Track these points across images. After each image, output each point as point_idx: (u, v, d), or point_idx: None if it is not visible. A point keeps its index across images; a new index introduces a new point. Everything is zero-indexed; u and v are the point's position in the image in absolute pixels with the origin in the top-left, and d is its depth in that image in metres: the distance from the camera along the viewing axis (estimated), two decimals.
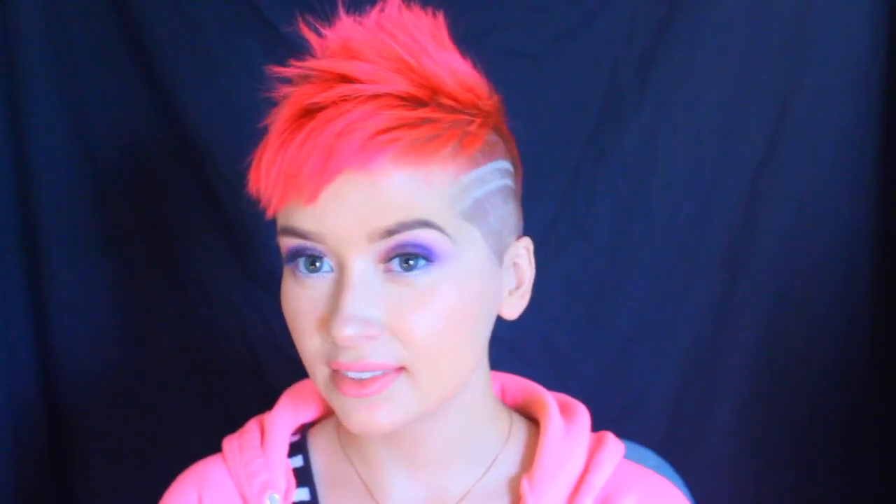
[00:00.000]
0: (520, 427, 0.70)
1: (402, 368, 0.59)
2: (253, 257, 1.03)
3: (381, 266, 0.58)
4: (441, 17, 0.62)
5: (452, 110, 0.59)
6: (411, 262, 0.58)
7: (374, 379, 0.58)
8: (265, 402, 1.06)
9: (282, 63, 0.63)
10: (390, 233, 0.57)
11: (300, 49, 0.63)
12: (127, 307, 1.07)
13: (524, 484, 0.64)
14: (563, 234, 1.02)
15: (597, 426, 1.07)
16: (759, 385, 1.04)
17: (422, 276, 0.58)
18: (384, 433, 0.60)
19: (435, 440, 0.66)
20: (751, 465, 1.06)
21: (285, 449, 0.70)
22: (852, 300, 1.03)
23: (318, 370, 0.61)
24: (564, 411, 0.70)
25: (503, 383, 0.75)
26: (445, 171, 0.58)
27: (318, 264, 0.59)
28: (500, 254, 0.63)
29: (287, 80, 0.62)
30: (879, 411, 1.03)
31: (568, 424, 0.68)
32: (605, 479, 0.65)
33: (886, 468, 1.04)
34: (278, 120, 0.60)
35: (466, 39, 0.99)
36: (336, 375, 0.59)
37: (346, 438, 0.70)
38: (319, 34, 0.62)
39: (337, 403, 0.61)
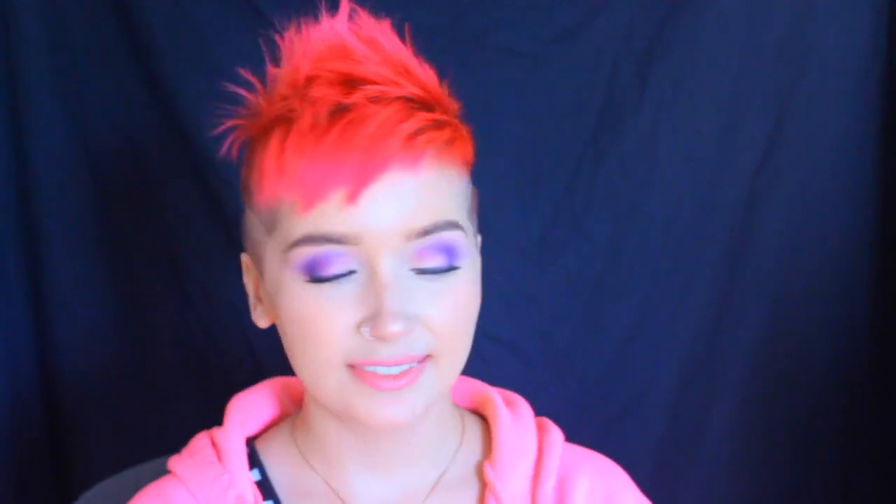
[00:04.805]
0: (471, 422, 0.72)
1: (429, 356, 0.61)
2: None
3: (410, 263, 0.60)
4: (387, 22, 0.62)
5: (449, 115, 0.62)
6: (440, 260, 0.60)
7: (406, 371, 0.60)
8: None
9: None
10: (426, 232, 0.59)
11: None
12: (127, 307, 1.07)
13: (488, 470, 0.67)
14: (563, 234, 1.02)
15: (596, 426, 1.07)
16: (759, 385, 1.04)
17: (448, 272, 0.60)
18: (406, 425, 0.62)
19: (416, 439, 0.66)
20: (750, 464, 1.06)
21: (245, 462, 0.68)
22: (852, 300, 1.03)
23: (331, 375, 0.61)
24: (508, 404, 0.72)
25: None
26: (459, 174, 0.62)
27: (342, 268, 0.59)
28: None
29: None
30: (879, 411, 1.04)
31: (514, 415, 0.70)
32: (559, 461, 0.68)
33: (886, 468, 1.04)
34: (296, 123, 0.58)
35: (466, 39, 1.00)
36: (362, 374, 0.60)
37: (307, 447, 0.69)
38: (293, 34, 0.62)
39: (357, 402, 0.61)
